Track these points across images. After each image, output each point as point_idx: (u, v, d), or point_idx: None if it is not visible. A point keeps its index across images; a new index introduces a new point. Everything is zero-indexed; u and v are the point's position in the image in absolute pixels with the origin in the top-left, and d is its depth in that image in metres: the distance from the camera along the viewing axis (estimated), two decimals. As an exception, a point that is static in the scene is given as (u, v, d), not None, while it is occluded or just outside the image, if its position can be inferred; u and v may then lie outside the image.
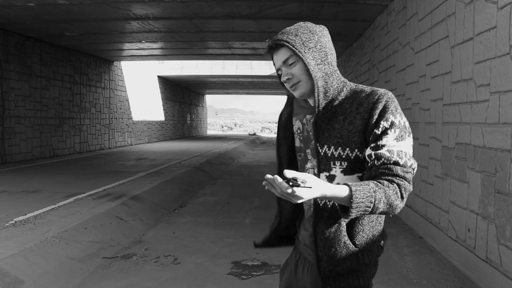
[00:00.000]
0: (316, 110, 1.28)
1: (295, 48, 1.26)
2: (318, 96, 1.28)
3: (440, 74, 4.34)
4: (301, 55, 1.26)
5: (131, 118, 17.74)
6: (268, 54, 1.35)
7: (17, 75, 10.35)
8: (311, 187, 1.07)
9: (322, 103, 1.28)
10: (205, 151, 14.43)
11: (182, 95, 26.82)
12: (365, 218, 1.28)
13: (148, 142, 19.74)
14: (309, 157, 1.38)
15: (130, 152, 14.21)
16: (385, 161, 1.17)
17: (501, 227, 3.08)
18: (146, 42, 11.53)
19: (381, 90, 1.25)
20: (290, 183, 1.05)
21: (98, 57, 14.52)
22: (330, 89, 1.29)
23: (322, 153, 1.28)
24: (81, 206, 5.16)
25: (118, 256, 3.95)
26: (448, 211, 4.11)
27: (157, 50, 13.24)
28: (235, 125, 57.69)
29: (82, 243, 3.94)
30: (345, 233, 1.27)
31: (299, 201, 1.09)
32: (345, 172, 1.25)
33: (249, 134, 35.26)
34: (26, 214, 4.73)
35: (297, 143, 1.44)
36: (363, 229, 1.29)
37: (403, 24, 5.80)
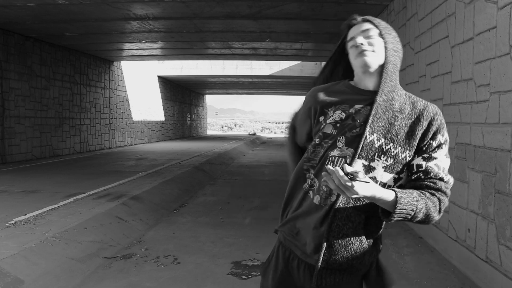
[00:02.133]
0: (380, 93, 1.28)
1: (379, 28, 1.32)
2: (385, 78, 1.29)
3: (440, 74, 4.35)
4: (384, 35, 1.30)
5: (131, 118, 17.74)
6: (346, 28, 1.37)
7: (17, 75, 10.35)
8: (369, 182, 1.11)
9: (385, 88, 1.29)
10: (205, 151, 14.43)
11: (182, 95, 26.82)
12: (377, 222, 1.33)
13: (148, 142, 19.74)
14: (340, 144, 1.30)
15: (130, 152, 14.21)
16: (433, 175, 1.23)
17: (501, 227, 3.08)
18: (146, 42, 11.53)
19: (435, 105, 1.33)
20: (349, 177, 1.08)
21: (98, 57, 14.52)
22: (393, 80, 1.31)
23: (368, 140, 1.25)
24: (81, 206, 5.16)
25: (118, 256, 3.95)
26: (448, 211, 4.11)
27: (157, 50, 13.24)
28: (235, 125, 57.70)
29: (82, 243, 3.94)
30: (362, 234, 1.29)
31: (354, 196, 1.11)
32: (386, 169, 1.26)
33: (249, 134, 35.25)
34: (26, 214, 4.73)
35: (328, 129, 1.33)
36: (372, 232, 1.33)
37: (403, 24, 5.80)
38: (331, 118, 1.35)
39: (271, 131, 47.44)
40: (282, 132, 46.66)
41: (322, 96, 1.41)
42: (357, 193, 1.10)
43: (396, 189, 1.19)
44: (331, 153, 1.30)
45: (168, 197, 6.50)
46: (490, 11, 3.24)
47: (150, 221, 5.22)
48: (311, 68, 18.51)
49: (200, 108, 33.22)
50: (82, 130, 13.60)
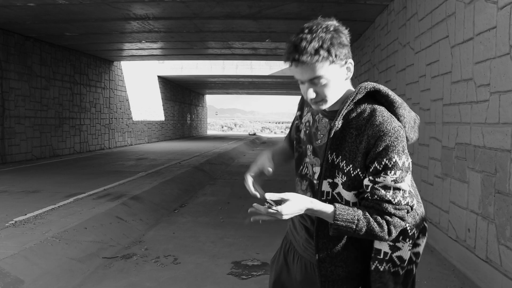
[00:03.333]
0: (337, 120, 1.26)
1: (328, 58, 1.18)
2: (346, 104, 1.26)
3: (440, 74, 4.35)
4: (335, 60, 1.19)
5: (131, 118, 17.74)
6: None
7: (17, 75, 10.35)
8: (278, 211, 1.16)
9: (345, 111, 1.26)
10: (205, 151, 14.43)
11: (182, 95, 26.82)
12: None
13: (148, 142, 19.74)
14: (309, 153, 1.38)
15: (130, 152, 14.21)
16: (378, 198, 1.19)
17: (501, 227, 3.08)
18: (146, 42, 11.53)
19: (396, 124, 1.22)
20: (266, 205, 1.18)
21: (98, 57, 14.52)
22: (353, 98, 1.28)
23: (330, 160, 1.27)
24: (81, 206, 5.16)
25: (118, 256, 3.95)
26: (448, 211, 4.11)
27: (157, 50, 13.24)
28: (235, 125, 57.71)
29: (82, 243, 3.94)
30: (349, 245, 1.30)
31: (284, 218, 1.18)
32: (344, 186, 1.26)
33: (249, 134, 35.25)
34: (26, 214, 4.73)
35: (302, 134, 1.43)
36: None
37: (403, 24, 5.80)
38: (303, 119, 1.45)
39: (271, 131, 47.43)
40: (282, 132, 46.66)
41: (302, 99, 1.51)
42: (282, 215, 1.16)
43: (337, 205, 1.20)
44: (305, 159, 1.39)
45: (168, 197, 6.50)
46: (490, 11, 3.24)
47: (150, 221, 5.22)
48: (311, 68, 18.46)
49: (200, 108, 33.21)
50: (82, 130, 13.60)
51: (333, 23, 1.20)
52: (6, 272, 3.07)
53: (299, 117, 1.48)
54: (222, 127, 54.04)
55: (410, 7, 5.48)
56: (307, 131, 1.40)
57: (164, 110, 22.50)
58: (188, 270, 3.63)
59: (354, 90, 1.28)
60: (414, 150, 5.19)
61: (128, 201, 5.58)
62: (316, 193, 1.32)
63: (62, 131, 12.39)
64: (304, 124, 1.44)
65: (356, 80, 9.74)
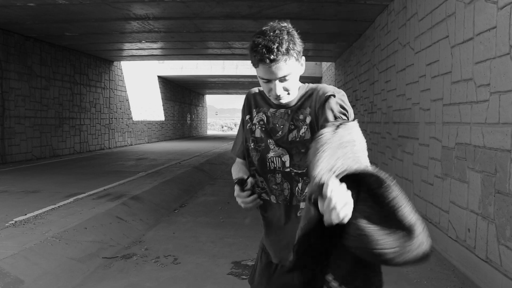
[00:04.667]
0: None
1: (290, 55, 1.31)
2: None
3: (440, 74, 4.34)
4: (298, 58, 1.35)
5: (131, 118, 17.73)
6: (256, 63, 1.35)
7: (17, 75, 10.35)
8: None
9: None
10: (205, 151, 14.43)
11: (182, 95, 26.82)
12: None
13: (148, 142, 19.74)
14: (272, 146, 1.42)
15: (130, 152, 14.21)
16: None
17: (501, 227, 3.08)
18: (146, 42, 11.52)
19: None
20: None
21: (98, 57, 14.52)
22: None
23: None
24: (81, 206, 5.16)
25: (118, 256, 3.95)
26: (448, 211, 4.11)
27: (157, 50, 13.24)
28: (235, 125, 57.65)
29: (82, 243, 3.94)
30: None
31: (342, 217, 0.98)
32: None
33: (249, 134, 35.21)
34: (26, 214, 4.73)
35: (258, 133, 1.47)
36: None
37: (403, 24, 5.80)
38: (255, 120, 1.49)
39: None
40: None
41: (248, 103, 1.56)
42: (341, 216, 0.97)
43: None
44: (268, 155, 1.43)
45: (168, 197, 6.50)
46: (490, 11, 3.24)
47: (150, 221, 5.22)
48: (311, 68, 18.49)
49: (200, 108, 33.21)
50: (82, 130, 13.59)
51: (288, 25, 1.32)
52: (6, 272, 3.07)
53: (250, 120, 1.51)
54: (222, 127, 54.04)
55: (410, 7, 5.48)
56: (264, 128, 1.45)
57: (164, 110, 22.50)
58: (188, 270, 3.63)
59: (304, 85, 1.44)
60: (414, 150, 5.19)
61: (128, 201, 5.58)
62: (293, 182, 1.37)
63: (62, 131, 12.39)
64: (257, 123, 1.48)
65: (356, 80, 9.74)
